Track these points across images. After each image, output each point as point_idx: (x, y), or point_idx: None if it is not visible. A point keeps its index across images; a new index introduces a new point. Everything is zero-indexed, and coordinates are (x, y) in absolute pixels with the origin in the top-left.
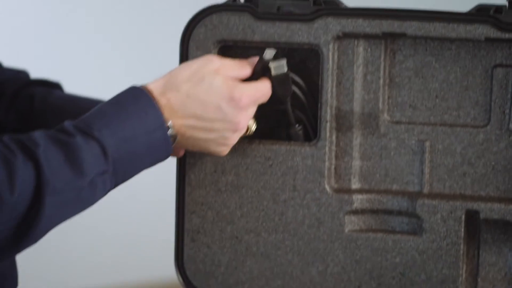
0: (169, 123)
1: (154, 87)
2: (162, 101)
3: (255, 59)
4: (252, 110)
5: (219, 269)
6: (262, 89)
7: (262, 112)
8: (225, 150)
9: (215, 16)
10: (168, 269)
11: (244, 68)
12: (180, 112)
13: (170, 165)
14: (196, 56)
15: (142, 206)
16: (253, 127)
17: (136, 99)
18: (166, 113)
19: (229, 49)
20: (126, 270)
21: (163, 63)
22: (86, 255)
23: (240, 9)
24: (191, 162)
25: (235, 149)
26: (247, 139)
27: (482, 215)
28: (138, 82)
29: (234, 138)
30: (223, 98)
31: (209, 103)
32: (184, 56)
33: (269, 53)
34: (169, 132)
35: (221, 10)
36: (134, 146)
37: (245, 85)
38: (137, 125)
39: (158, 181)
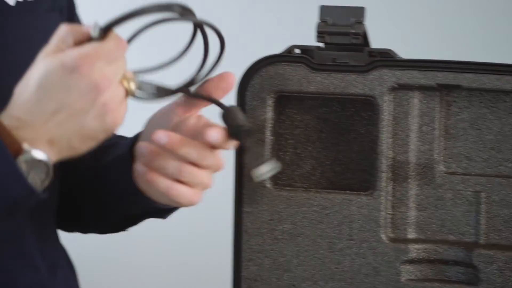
0: (25, 145)
1: (5, 114)
2: (13, 123)
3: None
4: (109, 68)
5: None
6: (102, 44)
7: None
8: (116, 120)
9: (271, 67)
10: None
11: (75, 31)
12: (36, 121)
13: (225, 213)
14: (252, 106)
15: (198, 254)
16: (131, 85)
17: None
18: (26, 133)
19: (286, 99)
20: None
21: None
22: None
23: (296, 60)
24: (248, 210)
25: (291, 197)
26: (303, 188)
27: None
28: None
29: (112, 101)
30: (61, 75)
31: (53, 90)
32: (240, 106)
33: (93, 30)
34: (27, 156)
35: (277, 61)
36: None
37: (77, 48)
38: None
39: (215, 227)
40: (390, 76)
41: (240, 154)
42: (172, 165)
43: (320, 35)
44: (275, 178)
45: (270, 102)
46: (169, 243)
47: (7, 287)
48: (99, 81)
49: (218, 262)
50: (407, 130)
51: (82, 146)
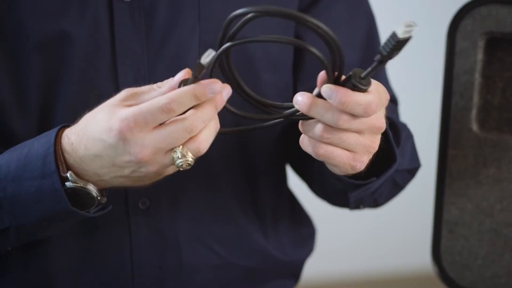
0: (69, 173)
1: (71, 131)
2: (67, 146)
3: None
4: (149, 138)
5: (476, 262)
6: (147, 108)
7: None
8: (157, 177)
9: (484, 8)
10: (423, 258)
11: (149, 91)
12: (81, 156)
13: (429, 156)
14: (462, 47)
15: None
16: (178, 161)
17: (44, 141)
18: (72, 159)
19: (497, 41)
20: (380, 257)
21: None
22: (339, 240)
23: (510, 1)
24: (453, 153)
25: (498, 141)
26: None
27: None
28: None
29: (151, 173)
30: (104, 131)
31: (97, 139)
32: (450, 47)
33: (205, 56)
34: (69, 184)
35: (490, 2)
36: (20, 187)
37: (125, 109)
38: (30, 167)
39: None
40: None
41: (447, 100)
42: (317, 128)
43: None
44: (482, 121)
45: (481, 43)
46: None
47: None
48: (138, 152)
49: (419, 204)
50: None
51: (133, 185)
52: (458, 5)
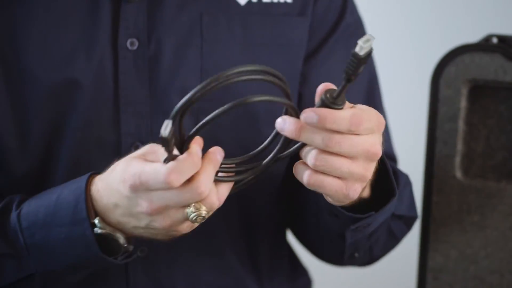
0: (97, 219)
1: (99, 178)
2: (94, 193)
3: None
4: (157, 195)
5: None
6: (148, 171)
7: None
8: (177, 232)
9: (467, 55)
10: None
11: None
12: (104, 203)
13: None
14: (446, 95)
15: None
16: (192, 214)
17: (75, 188)
18: (98, 206)
19: (480, 89)
20: None
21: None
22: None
23: (493, 49)
24: (437, 200)
25: (482, 188)
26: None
27: None
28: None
29: (165, 227)
30: (119, 181)
31: (115, 189)
32: (434, 94)
33: (164, 128)
34: (97, 230)
35: (473, 50)
36: (49, 234)
37: (138, 164)
38: (60, 214)
39: None
40: None
41: (431, 147)
42: (310, 155)
43: None
44: (465, 169)
45: (464, 91)
46: None
47: None
48: (142, 205)
49: (404, 251)
50: None
51: (154, 238)
52: (441, 53)
